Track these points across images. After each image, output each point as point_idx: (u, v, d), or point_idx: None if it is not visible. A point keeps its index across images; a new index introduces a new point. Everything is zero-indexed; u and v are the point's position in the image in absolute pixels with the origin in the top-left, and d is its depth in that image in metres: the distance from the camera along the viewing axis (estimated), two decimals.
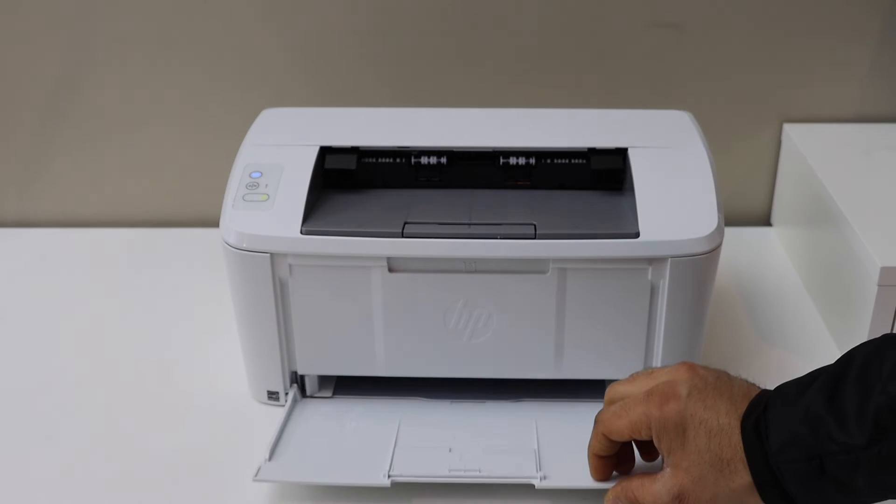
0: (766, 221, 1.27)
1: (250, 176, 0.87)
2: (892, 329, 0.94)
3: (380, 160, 0.92)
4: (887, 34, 1.15)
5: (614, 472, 0.80)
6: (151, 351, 1.02)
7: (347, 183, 0.91)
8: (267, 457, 0.83)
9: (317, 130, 0.93)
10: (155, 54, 1.17)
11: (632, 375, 0.79)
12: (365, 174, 0.91)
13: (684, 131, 0.93)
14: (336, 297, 0.87)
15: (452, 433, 0.87)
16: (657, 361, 0.89)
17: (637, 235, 0.82)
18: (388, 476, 0.81)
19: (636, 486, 0.75)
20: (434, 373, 0.91)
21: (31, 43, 1.17)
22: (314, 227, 0.84)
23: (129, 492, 0.84)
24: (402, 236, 0.83)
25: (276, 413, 0.92)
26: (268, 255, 0.84)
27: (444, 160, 0.91)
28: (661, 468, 0.74)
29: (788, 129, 1.20)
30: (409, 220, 0.84)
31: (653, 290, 0.86)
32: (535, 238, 0.83)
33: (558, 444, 0.86)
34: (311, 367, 0.92)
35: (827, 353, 1.01)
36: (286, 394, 0.92)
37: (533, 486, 0.81)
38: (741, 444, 0.68)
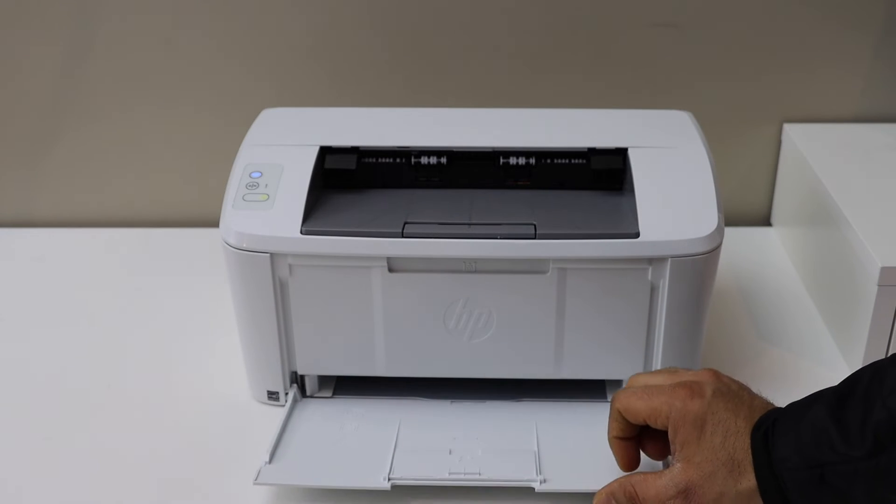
0: (766, 221, 1.27)
1: (250, 176, 0.87)
2: (892, 328, 0.94)
3: (380, 160, 0.92)
4: (887, 35, 1.15)
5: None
6: (151, 351, 1.02)
7: (347, 183, 0.91)
8: (267, 459, 0.83)
9: (317, 130, 0.93)
10: (155, 54, 1.17)
11: (656, 371, 0.80)
12: (365, 174, 0.91)
13: (684, 131, 0.93)
14: (336, 297, 0.87)
15: (452, 434, 0.87)
16: (657, 362, 0.89)
17: (637, 235, 0.82)
18: (388, 479, 0.81)
19: (637, 480, 0.75)
20: (434, 373, 0.91)
21: (31, 44, 1.17)
22: (314, 227, 0.84)
23: (129, 492, 0.84)
24: (402, 236, 0.83)
25: (276, 413, 0.92)
26: (268, 255, 0.84)
27: (444, 160, 0.91)
28: (660, 468, 0.74)
29: (788, 129, 1.20)
30: (409, 220, 0.84)
31: (653, 290, 0.86)
32: (535, 238, 0.83)
33: (558, 446, 0.86)
34: (311, 367, 0.92)
35: (827, 352, 1.01)
36: (286, 394, 0.92)
37: (533, 489, 0.81)
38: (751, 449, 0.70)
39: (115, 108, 1.21)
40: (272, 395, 0.93)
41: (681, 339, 0.88)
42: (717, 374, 0.76)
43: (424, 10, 1.14)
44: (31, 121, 1.22)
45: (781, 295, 1.11)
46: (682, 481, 0.72)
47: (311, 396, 0.94)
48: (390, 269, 0.85)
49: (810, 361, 1.00)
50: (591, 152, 0.91)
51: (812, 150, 1.14)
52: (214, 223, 0.87)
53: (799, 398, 0.95)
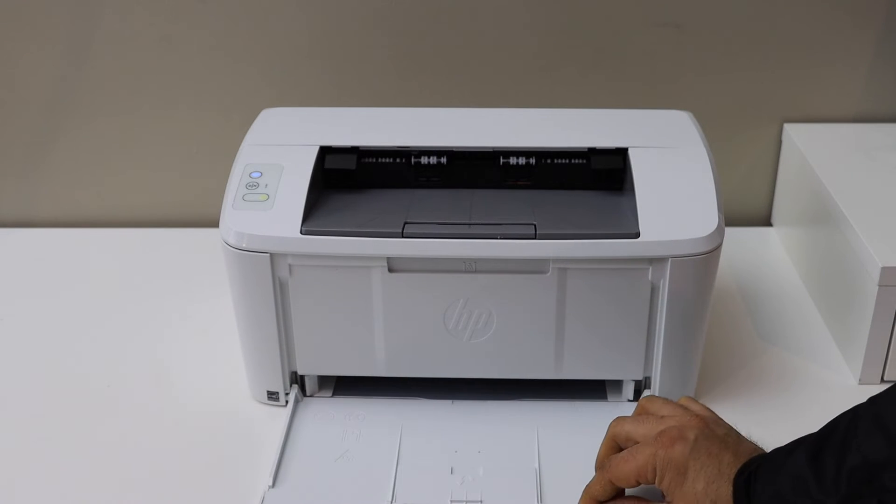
0: (766, 221, 1.27)
1: (250, 176, 0.87)
2: (892, 329, 0.94)
3: (380, 160, 0.91)
4: (888, 34, 1.15)
5: None
6: (151, 351, 1.02)
7: (347, 183, 0.91)
8: (270, 483, 0.83)
9: (317, 130, 0.93)
10: (155, 54, 1.17)
11: (640, 416, 0.80)
12: (365, 174, 0.91)
13: (685, 131, 0.93)
14: (336, 297, 0.87)
15: (454, 444, 0.87)
16: (657, 362, 0.89)
17: (637, 235, 0.82)
18: None
19: None
20: (434, 373, 0.91)
21: (31, 43, 1.17)
22: (314, 227, 0.84)
23: (129, 492, 0.84)
24: (402, 236, 0.83)
25: (276, 413, 0.92)
26: (268, 255, 0.84)
27: (444, 160, 0.91)
28: None
29: (789, 128, 1.20)
30: (409, 220, 0.84)
31: (653, 291, 0.86)
32: (535, 238, 0.83)
33: (559, 460, 0.86)
34: (311, 367, 0.92)
35: (827, 352, 1.01)
36: (286, 394, 0.92)
37: None
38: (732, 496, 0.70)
39: (115, 109, 1.21)
40: (272, 395, 0.93)
41: (681, 339, 0.88)
42: (704, 421, 0.76)
43: (425, 11, 1.14)
44: (30, 121, 1.22)
45: (782, 295, 1.11)
46: None
47: (311, 396, 0.94)
48: (390, 269, 0.85)
49: (810, 361, 1.00)
50: (592, 152, 0.91)
51: (812, 150, 1.14)
52: (214, 223, 0.87)
53: (798, 399, 0.95)
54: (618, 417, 0.81)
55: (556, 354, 0.89)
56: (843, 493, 0.63)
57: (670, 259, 0.83)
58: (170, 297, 1.11)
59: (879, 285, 0.92)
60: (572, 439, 0.88)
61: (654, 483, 0.74)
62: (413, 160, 0.91)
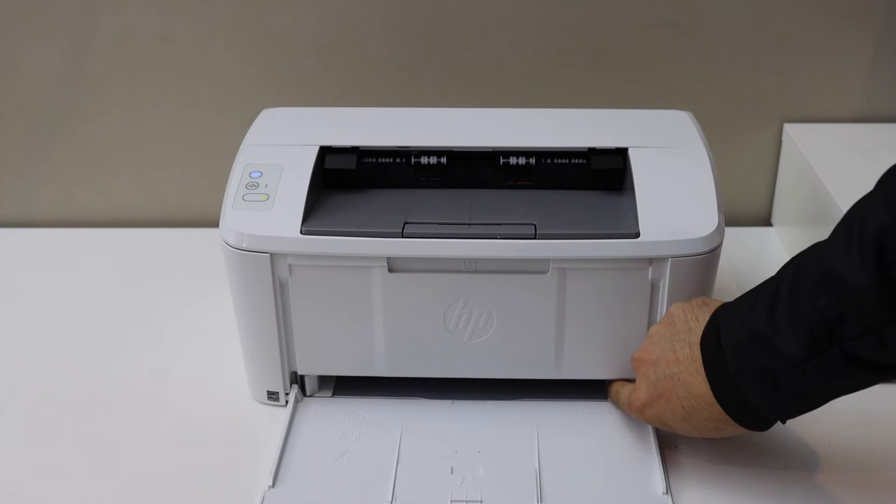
0: (766, 221, 1.27)
1: (250, 176, 0.87)
2: None
3: (380, 160, 0.91)
4: (888, 34, 1.15)
5: None
6: (151, 351, 1.02)
7: (347, 183, 0.91)
8: (270, 483, 0.83)
9: (317, 130, 0.93)
10: (155, 54, 1.17)
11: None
12: (365, 174, 0.91)
13: (684, 131, 0.93)
14: (336, 297, 0.87)
15: (454, 444, 0.87)
16: None
17: (637, 235, 0.82)
18: None
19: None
20: (434, 373, 0.91)
21: (30, 43, 1.17)
22: (314, 227, 0.84)
23: (129, 492, 0.84)
24: (402, 236, 0.83)
25: (276, 413, 0.92)
26: (267, 255, 0.84)
27: (444, 160, 0.91)
28: None
29: (789, 128, 1.20)
30: (409, 220, 0.84)
31: (653, 290, 0.86)
32: (535, 238, 0.83)
33: (559, 459, 0.86)
34: (311, 367, 0.92)
35: None
36: (286, 394, 0.92)
37: None
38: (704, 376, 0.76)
39: (115, 108, 1.21)
40: (272, 395, 0.93)
41: None
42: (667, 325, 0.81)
43: (425, 11, 1.14)
44: (31, 121, 1.22)
45: None
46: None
47: (311, 396, 0.94)
48: (390, 269, 0.85)
49: None
50: (592, 152, 0.91)
51: (813, 150, 1.14)
52: (214, 223, 0.87)
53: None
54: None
55: (556, 354, 0.89)
56: (808, 346, 0.68)
57: (670, 259, 0.83)
58: (170, 297, 1.11)
59: None
60: (572, 439, 0.88)
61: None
62: (413, 160, 0.91)
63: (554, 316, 0.87)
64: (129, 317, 1.08)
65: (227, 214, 0.85)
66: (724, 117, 1.20)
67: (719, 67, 1.17)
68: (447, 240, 0.83)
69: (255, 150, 0.90)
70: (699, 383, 0.76)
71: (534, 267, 0.85)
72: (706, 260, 0.84)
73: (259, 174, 0.87)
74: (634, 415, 0.84)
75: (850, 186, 1.05)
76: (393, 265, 0.85)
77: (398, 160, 0.91)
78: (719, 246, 0.84)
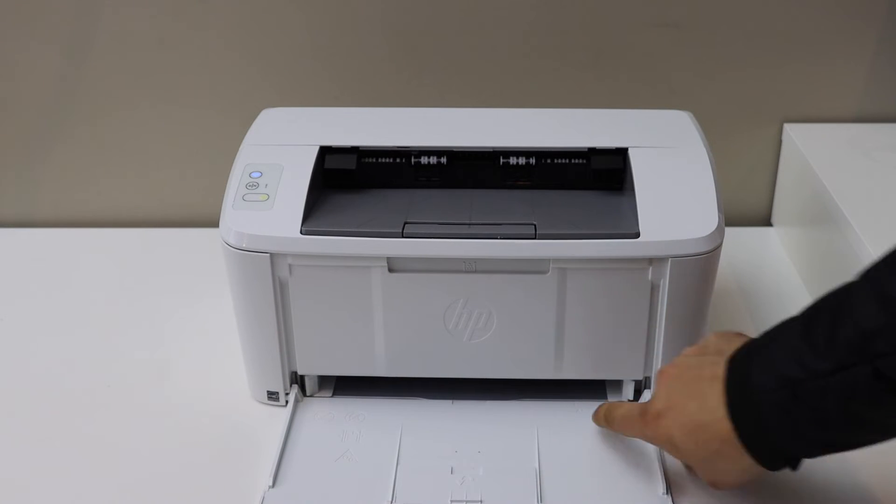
0: (766, 221, 1.27)
1: (250, 176, 0.87)
2: None
3: (380, 160, 0.91)
4: (888, 34, 1.15)
5: None
6: (151, 351, 1.02)
7: (347, 183, 0.91)
8: (270, 483, 0.83)
9: (317, 130, 0.93)
10: (155, 54, 1.17)
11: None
12: (365, 174, 0.91)
13: (684, 131, 0.93)
14: (336, 297, 0.87)
15: (454, 444, 0.87)
16: (657, 362, 0.89)
17: (637, 235, 0.82)
18: None
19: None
20: (434, 373, 0.91)
21: (30, 43, 1.17)
22: (314, 227, 0.84)
23: (129, 492, 0.84)
24: (402, 236, 0.83)
25: (277, 413, 0.92)
26: (267, 255, 0.84)
27: (444, 160, 0.91)
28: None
29: (789, 128, 1.20)
30: (409, 220, 0.84)
31: (653, 291, 0.86)
32: (535, 238, 0.83)
33: (559, 459, 0.86)
34: (311, 367, 0.92)
35: None
36: (286, 394, 0.92)
37: None
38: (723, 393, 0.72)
39: (115, 109, 1.21)
40: (272, 395, 0.93)
41: (681, 339, 0.88)
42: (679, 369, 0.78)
43: (425, 11, 1.14)
44: (30, 121, 1.22)
45: (782, 295, 1.11)
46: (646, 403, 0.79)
47: (311, 396, 0.94)
48: (390, 269, 0.85)
49: None
50: (592, 152, 0.91)
51: (813, 150, 1.14)
52: (214, 223, 0.87)
53: None
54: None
55: (556, 354, 0.89)
56: (837, 360, 0.64)
57: (670, 259, 0.83)
58: (170, 297, 1.11)
59: None
60: (572, 439, 0.88)
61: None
62: (413, 160, 0.91)
63: (554, 316, 0.87)
64: (130, 317, 1.08)
65: (227, 214, 0.85)
66: (724, 117, 1.20)
67: (719, 67, 1.17)
68: (447, 240, 0.83)
69: (255, 150, 0.90)
70: (715, 396, 0.72)
71: (534, 267, 0.85)
72: (706, 260, 0.84)
73: (259, 174, 0.87)
74: (643, 431, 0.80)
75: (850, 186, 1.05)
76: (393, 265, 0.85)
77: (398, 160, 0.91)
78: (719, 246, 0.84)
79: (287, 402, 0.92)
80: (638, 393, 0.92)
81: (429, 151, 0.91)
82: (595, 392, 0.93)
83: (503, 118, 0.96)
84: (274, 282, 0.86)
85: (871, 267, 0.66)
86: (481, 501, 0.81)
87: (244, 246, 0.84)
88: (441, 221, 0.84)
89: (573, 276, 0.85)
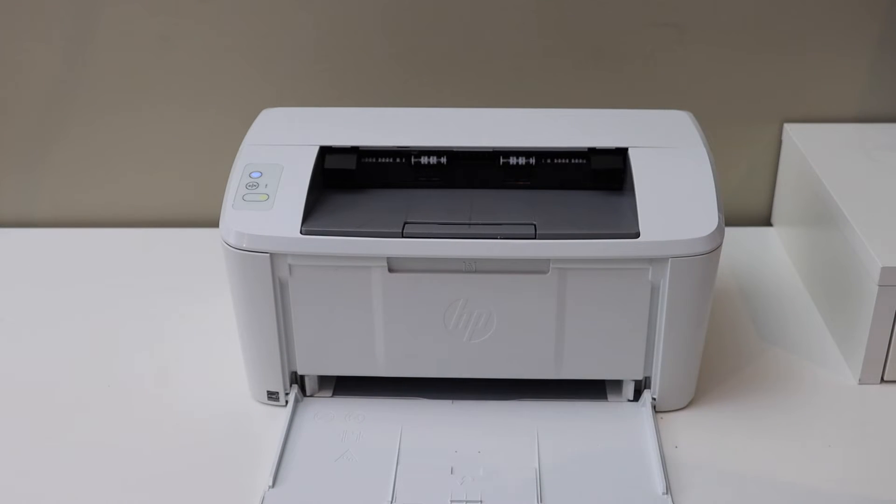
0: (766, 221, 1.27)
1: (250, 176, 0.87)
2: (892, 329, 0.94)
3: (380, 160, 0.91)
4: (887, 34, 1.15)
5: None
6: (151, 351, 1.02)
7: (347, 183, 0.91)
8: (270, 483, 0.83)
9: (317, 130, 0.93)
10: (155, 54, 1.17)
11: None
12: (365, 174, 0.91)
13: (685, 131, 0.93)
14: (336, 297, 0.87)
15: (454, 444, 0.87)
16: (657, 362, 0.89)
17: (637, 235, 0.82)
18: None
19: None
20: (434, 373, 0.91)
21: (30, 43, 1.17)
22: (314, 227, 0.84)
23: (129, 492, 0.84)
24: (402, 236, 0.83)
25: (276, 413, 0.92)
26: (267, 255, 0.84)
27: (444, 160, 0.91)
28: None
29: (789, 128, 1.20)
30: (409, 220, 0.84)
31: (653, 291, 0.86)
32: (535, 238, 0.83)
33: (559, 460, 0.86)
34: (311, 367, 0.92)
35: (827, 353, 1.01)
36: (286, 394, 0.92)
37: None
38: None
39: (114, 109, 1.21)
40: (272, 396, 0.93)
41: (681, 339, 0.88)
42: None
43: (425, 11, 1.14)
44: (30, 121, 1.22)
45: (782, 295, 1.11)
46: None
47: (311, 396, 0.94)
48: (390, 269, 0.85)
49: (810, 362, 1.00)
50: (592, 152, 0.91)
51: (813, 150, 1.13)
52: (214, 223, 0.87)
53: (798, 400, 0.95)
54: None
55: (556, 354, 0.89)
56: None
57: (670, 259, 0.83)
58: (170, 296, 1.11)
59: (879, 285, 0.92)
60: (572, 439, 0.88)
61: None
62: (413, 160, 0.91)
63: (554, 316, 0.87)
64: (130, 317, 1.08)
65: (227, 214, 0.85)
66: (724, 117, 1.20)
67: (719, 67, 1.17)
68: (447, 240, 0.83)
69: (255, 150, 0.90)
70: None
71: (534, 267, 0.85)
72: (706, 260, 0.84)
73: (259, 174, 0.87)
74: None
75: (850, 186, 1.05)
76: (393, 265, 0.85)
77: (398, 160, 0.91)
78: (719, 246, 0.84)
79: (287, 402, 0.92)
80: (638, 393, 0.92)
81: (429, 151, 0.91)
82: (595, 392, 0.93)
83: (503, 118, 0.96)
84: (274, 282, 0.86)
85: None
86: (481, 501, 0.81)
87: (244, 246, 0.84)
88: (441, 221, 0.84)
89: (573, 276, 0.85)
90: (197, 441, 0.90)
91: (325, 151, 0.90)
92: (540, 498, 0.82)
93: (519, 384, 0.93)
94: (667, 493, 0.82)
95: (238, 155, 0.90)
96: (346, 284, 0.86)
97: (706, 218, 0.84)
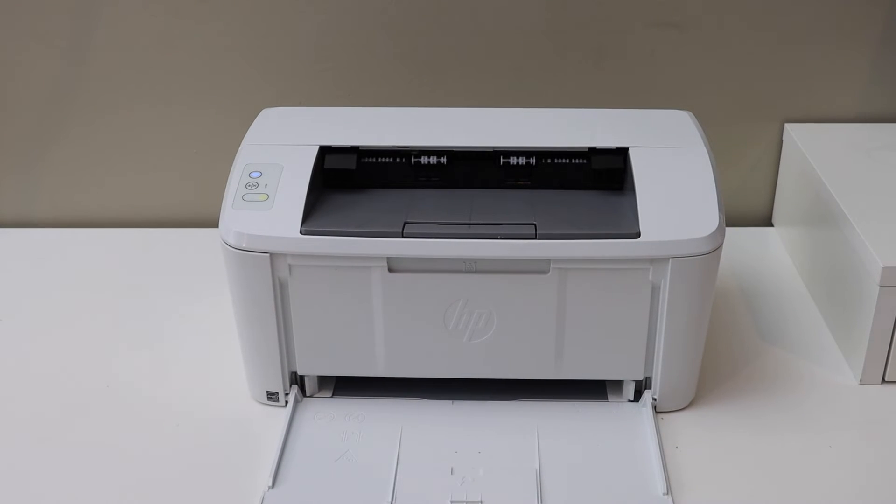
0: (767, 221, 1.27)
1: (250, 176, 0.87)
2: (893, 329, 0.94)
3: (380, 160, 0.91)
4: (888, 34, 1.15)
5: None
6: (150, 351, 1.02)
7: (347, 183, 0.90)
8: (270, 483, 0.83)
9: (316, 130, 0.93)
10: (155, 54, 1.17)
11: None
12: (365, 174, 0.91)
13: (685, 131, 0.93)
14: (336, 297, 0.87)
15: (454, 444, 0.87)
16: (658, 362, 0.89)
17: (638, 235, 0.82)
18: None
19: None
20: (434, 373, 0.91)
21: (30, 43, 1.16)
22: (314, 227, 0.84)
23: (129, 492, 0.84)
24: (402, 236, 0.83)
25: (276, 413, 0.92)
26: (267, 255, 0.84)
27: (444, 160, 0.91)
28: None
29: (790, 128, 1.19)
30: (409, 220, 0.84)
31: (654, 291, 0.85)
32: (535, 238, 0.83)
33: (559, 460, 0.86)
34: (311, 368, 0.92)
35: (828, 353, 1.01)
36: (286, 394, 0.92)
37: None
38: None
39: (114, 109, 1.21)
40: (272, 396, 0.93)
41: (682, 339, 0.88)
42: None
43: (425, 11, 1.14)
44: (30, 121, 1.22)
45: (783, 295, 1.11)
46: None
47: (311, 396, 0.94)
48: (390, 269, 0.85)
49: (811, 362, 1.00)
50: (592, 152, 0.91)
51: (814, 150, 1.13)
52: (214, 223, 0.87)
53: (799, 400, 0.95)
54: None
55: (556, 354, 0.89)
56: None
57: (671, 259, 0.83)
58: (169, 297, 1.10)
59: (880, 285, 0.92)
60: (572, 439, 0.88)
61: None
62: (413, 160, 0.91)
63: (554, 316, 0.87)
64: (129, 317, 1.07)
65: (227, 214, 0.85)
66: (725, 117, 1.20)
67: (719, 67, 1.17)
68: (447, 240, 0.83)
69: (254, 150, 0.90)
70: None
71: (534, 267, 0.85)
72: (707, 260, 0.83)
73: (259, 174, 0.87)
74: None
75: (850, 186, 1.05)
76: (393, 265, 0.85)
77: (398, 160, 0.91)
78: (720, 246, 0.84)
79: (287, 402, 0.92)
80: (638, 393, 0.92)
81: (429, 151, 0.91)
82: (595, 392, 0.93)
83: (503, 118, 0.96)
84: (274, 282, 0.86)
85: None
86: (481, 501, 0.81)
87: (244, 246, 0.84)
88: (441, 221, 0.84)
89: (573, 277, 0.85)
90: (196, 441, 0.90)
91: (324, 151, 0.90)
92: (540, 498, 0.82)
93: (519, 384, 0.92)
94: (667, 494, 0.82)
95: (238, 155, 0.90)
96: (346, 284, 0.86)
97: (707, 218, 0.84)
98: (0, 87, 1.19)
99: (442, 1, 1.13)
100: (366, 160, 0.91)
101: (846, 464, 0.87)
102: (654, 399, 0.91)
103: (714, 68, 1.17)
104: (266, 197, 0.85)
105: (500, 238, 0.83)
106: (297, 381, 0.93)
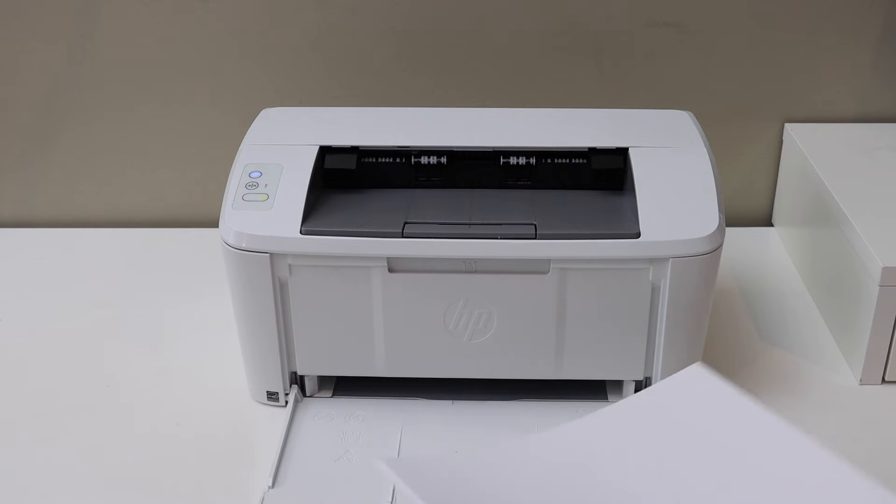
0: (767, 221, 1.27)
1: (250, 176, 0.87)
2: (893, 329, 0.94)
3: (380, 160, 0.91)
4: (888, 34, 1.15)
5: None
6: (150, 351, 1.02)
7: (347, 183, 0.90)
8: (270, 483, 0.83)
9: (316, 130, 0.93)
10: (155, 54, 1.17)
11: None
12: (365, 174, 0.91)
13: (685, 131, 0.93)
14: (336, 297, 0.87)
15: (454, 444, 0.87)
16: (658, 362, 0.89)
17: (638, 235, 0.82)
18: None
19: None
20: (434, 373, 0.91)
21: (30, 43, 1.16)
22: (314, 227, 0.84)
23: (129, 492, 0.84)
24: (402, 236, 0.83)
25: (276, 413, 0.92)
26: (267, 255, 0.84)
27: (444, 160, 0.91)
28: None
29: (790, 128, 1.20)
30: (409, 220, 0.84)
31: (654, 291, 0.85)
32: (535, 238, 0.83)
33: None
34: (311, 368, 0.92)
35: (828, 353, 1.01)
36: (286, 394, 0.92)
37: None
38: None
39: (114, 108, 1.21)
40: (272, 396, 0.93)
41: (682, 339, 0.88)
42: None
43: (425, 10, 1.14)
44: (30, 120, 1.22)
45: (783, 295, 1.11)
46: None
47: (311, 397, 0.94)
48: (390, 269, 0.85)
49: (811, 362, 1.00)
50: (592, 152, 0.91)
51: (814, 149, 1.13)
52: (214, 223, 0.87)
53: (799, 400, 0.95)
54: None
55: (556, 354, 0.89)
56: None
57: (671, 259, 0.83)
58: (169, 297, 1.10)
59: (881, 285, 0.92)
60: None
61: None
62: (413, 160, 0.91)
63: (554, 316, 0.87)
64: (129, 317, 1.07)
65: (227, 214, 0.85)
66: (725, 117, 1.20)
67: (719, 67, 1.17)
68: (447, 240, 0.83)
69: (254, 150, 0.90)
70: None
71: (534, 267, 0.85)
72: (707, 260, 0.83)
73: (259, 174, 0.87)
74: None
75: (850, 186, 1.05)
76: (393, 265, 0.85)
77: (398, 160, 0.91)
78: (720, 246, 0.84)
79: (287, 402, 0.92)
80: None
81: (429, 151, 0.91)
82: (595, 392, 0.93)
83: (503, 118, 0.96)
84: (274, 282, 0.86)
85: None
86: None
87: (244, 246, 0.84)
88: (441, 221, 0.84)
89: (573, 277, 0.85)
90: (196, 441, 0.90)
91: (325, 151, 0.90)
92: None
93: (519, 384, 0.92)
94: None
95: (238, 155, 0.90)
96: (346, 284, 0.86)
97: (707, 218, 0.84)
98: (0, 88, 1.19)
99: (442, 1, 1.13)
100: (366, 160, 0.91)
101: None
102: None
103: (714, 68, 1.17)
104: (266, 197, 0.85)
105: (500, 238, 0.83)
106: (297, 381, 0.93)
